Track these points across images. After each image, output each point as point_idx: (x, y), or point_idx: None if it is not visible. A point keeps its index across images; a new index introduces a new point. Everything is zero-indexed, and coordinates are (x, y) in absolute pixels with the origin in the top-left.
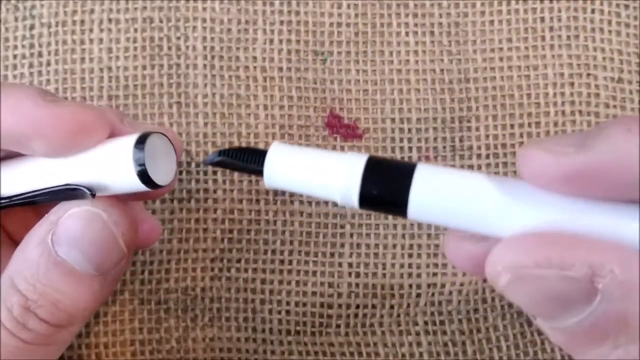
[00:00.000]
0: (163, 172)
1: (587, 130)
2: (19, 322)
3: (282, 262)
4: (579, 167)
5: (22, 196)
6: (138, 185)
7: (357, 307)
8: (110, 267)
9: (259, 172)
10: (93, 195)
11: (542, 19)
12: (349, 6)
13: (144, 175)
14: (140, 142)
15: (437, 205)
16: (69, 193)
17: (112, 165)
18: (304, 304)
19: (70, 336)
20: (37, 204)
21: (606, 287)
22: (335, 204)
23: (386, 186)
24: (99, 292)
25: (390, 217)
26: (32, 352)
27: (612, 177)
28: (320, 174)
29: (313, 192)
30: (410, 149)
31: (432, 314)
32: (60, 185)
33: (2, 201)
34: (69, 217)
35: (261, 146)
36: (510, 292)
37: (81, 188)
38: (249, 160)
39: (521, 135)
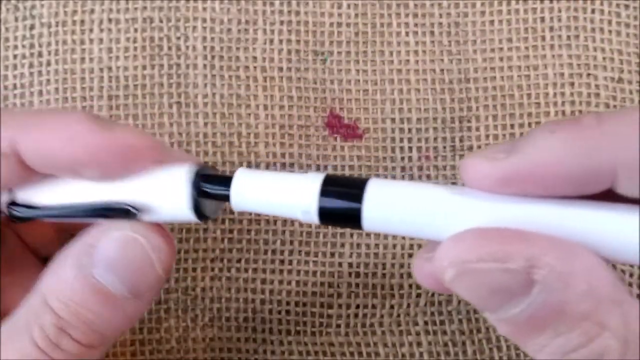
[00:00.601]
0: (209, 203)
1: (519, 137)
2: (52, 342)
3: (282, 262)
4: (510, 169)
5: (61, 208)
6: (188, 217)
7: (357, 307)
8: (146, 291)
9: (226, 197)
10: (135, 215)
11: (542, 19)
12: (349, 6)
13: (197, 209)
14: (196, 173)
15: (389, 216)
16: (113, 211)
17: (162, 193)
18: (304, 304)
19: (100, 355)
20: (75, 218)
21: (543, 279)
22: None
23: (341, 202)
24: (133, 314)
25: None
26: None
27: (540, 177)
28: (282, 194)
29: (277, 212)
30: (410, 149)
31: (432, 314)
32: (106, 203)
33: (39, 211)
34: (107, 241)
35: (261, 147)
36: (456, 286)
37: (128, 207)
38: (215, 186)
39: (521, 135)
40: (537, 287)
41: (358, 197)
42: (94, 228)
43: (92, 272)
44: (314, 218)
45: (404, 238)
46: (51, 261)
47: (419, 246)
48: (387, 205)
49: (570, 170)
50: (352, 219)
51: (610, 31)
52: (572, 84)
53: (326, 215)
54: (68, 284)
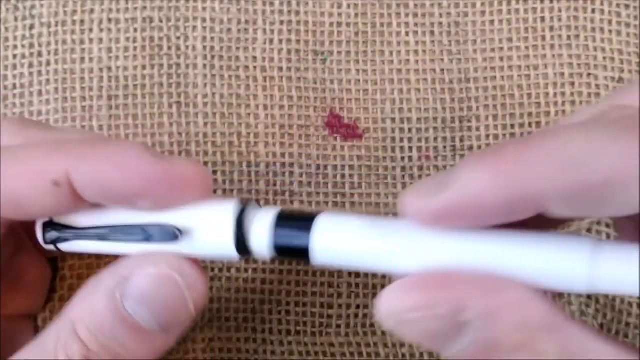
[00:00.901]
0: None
1: (450, 169)
2: None
3: (281, 262)
4: (439, 206)
5: (103, 228)
6: (230, 254)
7: (357, 307)
8: (176, 327)
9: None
10: (177, 239)
11: (543, 19)
12: (349, 6)
13: (244, 250)
14: (242, 209)
15: (336, 254)
16: (157, 233)
17: (207, 228)
18: (304, 304)
19: None
20: (114, 240)
21: (472, 320)
22: None
23: (291, 240)
24: (159, 348)
25: (390, 217)
26: None
27: (467, 210)
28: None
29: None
30: (410, 149)
31: None
32: (151, 223)
33: (78, 232)
34: (142, 275)
35: (261, 147)
36: (398, 333)
37: (174, 229)
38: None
39: (522, 135)
40: (467, 327)
41: (306, 237)
42: (128, 260)
43: (124, 305)
44: (266, 256)
45: None
46: (82, 287)
47: None
48: (333, 245)
49: (493, 202)
50: (303, 257)
51: (610, 31)
52: (573, 84)
53: (281, 253)
54: (99, 314)
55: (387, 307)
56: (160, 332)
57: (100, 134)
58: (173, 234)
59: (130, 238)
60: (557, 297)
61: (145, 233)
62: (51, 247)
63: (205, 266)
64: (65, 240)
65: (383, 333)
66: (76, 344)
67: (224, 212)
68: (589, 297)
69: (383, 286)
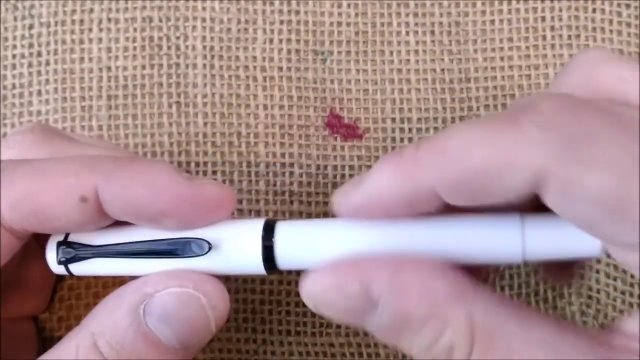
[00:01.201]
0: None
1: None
2: None
3: None
4: (355, 201)
5: (125, 244)
6: (258, 271)
7: None
8: (196, 345)
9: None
10: (209, 249)
11: (543, 19)
12: (349, 5)
13: (272, 268)
14: (270, 231)
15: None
16: (183, 247)
17: (236, 242)
18: (304, 304)
19: None
20: (135, 256)
21: (380, 296)
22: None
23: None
24: None
25: None
26: None
27: (376, 204)
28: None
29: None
30: None
31: None
32: (178, 238)
33: (99, 249)
34: (166, 294)
35: (261, 147)
36: (319, 312)
37: (205, 241)
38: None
39: None
40: (379, 303)
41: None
42: (152, 277)
43: (146, 321)
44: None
45: None
46: (103, 301)
47: None
48: (294, 249)
49: (395, 197)
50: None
51: (611, 30)
52: None
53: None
54: (121, 329)
55: (306, 290)
56: (181, 350)
57: (126, 150)
58: (203, 247)
59: (157, 251)
60: (558, 298)
61: (173, 247)
62: (61, 268)
63: None
64: (83, 258)
65: None
66: (96, 357)
67: (253, 227)
68: (589, 297)
69: None
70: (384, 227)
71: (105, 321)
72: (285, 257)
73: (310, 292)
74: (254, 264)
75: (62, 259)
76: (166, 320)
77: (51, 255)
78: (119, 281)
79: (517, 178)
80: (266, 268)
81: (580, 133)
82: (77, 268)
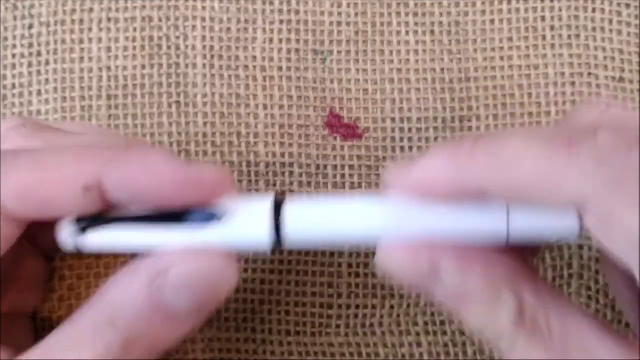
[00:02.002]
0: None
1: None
2: (123, 353)
3: (281, 262)
4: (411, 178)
5: (142, 212)
6: (265, 248)
7: (357, 307)
8: (205, 315)
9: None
10: (219, 218)
11: (543, 18)
12: (349, 5)
13: (278, 242)
14: (279, 212)
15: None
16: (193, 216)
17: (245, 226)
18: (304, 304)
19: None
20: (153, 223)
21: (444, 270)
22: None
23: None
24: (186, 332)
25: None
26: None
27: (426, 187)
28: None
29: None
30: (410, 148)
31: (432, 314)
32: (194, 209)
33: (115, 222)
34: (185, 267)
35: (260, 146)
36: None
37: (214, 212)
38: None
39: None
40: (441, 279)
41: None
42: (166, 253)
43: (162, 295)
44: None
45: None
46: (115, 277)
47: None
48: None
49: (447, 183)
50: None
51: (611, 30)
52: (573, 84)
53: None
54: (138, 303)
55: (381, 260)
56: (191, 320)
57: (115, 133)
58: (214, 217)
59: (171, 221)
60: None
61: (185, 216)
62: (74, 245)
63: None
64: (98, 226)
65: (383, 333)
66: (114, 333)
67: (262, 201)
68: (589, 297)
69: (383, 287)
70: (383, 206)
71: (121, 297)
72: (291, 237)
73: (385, 262)
74: (260, 240)
75: (78, 230)
76: (180, 293)
77: (65, 233)
78: None
79: (560, 199)
80: (272, 245)
81: (629, 172)
82: (91, 242)
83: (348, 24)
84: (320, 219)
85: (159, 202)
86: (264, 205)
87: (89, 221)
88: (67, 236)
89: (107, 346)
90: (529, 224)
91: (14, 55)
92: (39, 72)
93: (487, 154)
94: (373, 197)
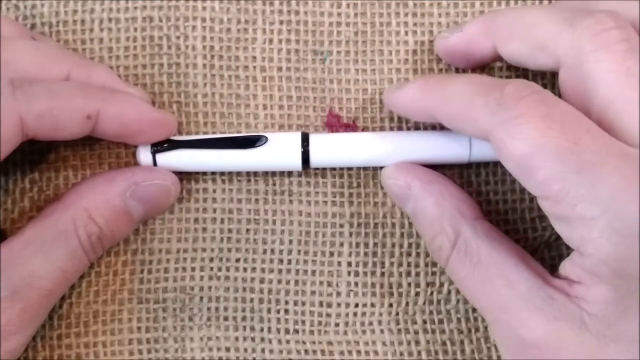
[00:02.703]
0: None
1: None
2: (92, 246)
3: (280, 261)
4: (392, 101)
5: (204, 139)
6: (296, 166)
7: (356, 305)
8: (144, 221)
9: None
10: (265, 141)
11: None
12: (348, 6)
13: (306, 161)
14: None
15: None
16: (249, 140)
17: (283, 151)
18: (303, 303)
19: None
20: (210, 147)
21: (414, 191)
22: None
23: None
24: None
25: (389, 217)
26: (88, 265)
27: (406, 107)
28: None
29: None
30: None
31: (431, 312)
32: (248, 135)
33: (182, 144)
34: (150, 184)
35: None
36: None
37: (263, 135)
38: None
39: None
40: (412, 196)
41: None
42: (139, 169)
43: (129, 202)
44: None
45: (402, 237)
46: (90, 180)
47: (418, 245)
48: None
49: (415, 108)
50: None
51: None
52: None
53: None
54: (113, 207)
55: (381, 178)
56: (137, 225)
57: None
58: (260, 140)
59: (225, 145)
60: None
61: (237, 140)
62: (150, 158)
63: (204, 265)
64: (171, 148)
65: (382, 331)
66: (94, 227)
67: (293, 135)
68: None
69: (382, 285)
70: (382, 137)
71: (99, 200)
72: (316, 156)
73: (383, 177)
74: (294, 160)
75: (154, 149)
76: (144, 203)
77: (144, 150)
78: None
79: (475, 130)
80: (302, 164)
81: (518, 114)
82: (162, 159)
83: (347, 24)
84: (336, 146)
85: (135, 135)
86: (295, 136)
87: (161, 146)
88: (145, 154)
89: (89, 235)
90: (480, 148)
91: None
92: None
93: (439, 88)
94: (376, 133)
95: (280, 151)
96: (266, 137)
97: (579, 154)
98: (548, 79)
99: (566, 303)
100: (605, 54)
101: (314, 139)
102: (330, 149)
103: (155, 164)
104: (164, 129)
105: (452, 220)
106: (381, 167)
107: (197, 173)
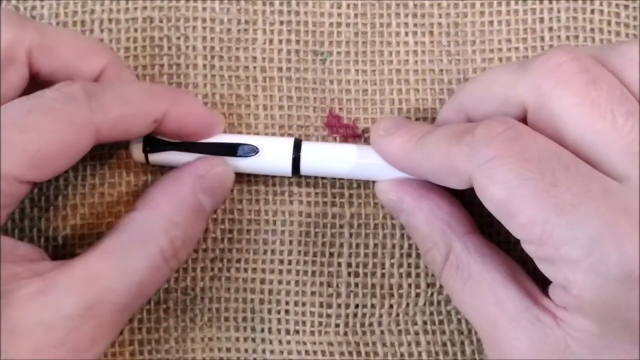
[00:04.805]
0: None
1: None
2: (175, 253)
3: (281, 262)
4: (377, 148)
5: (199, 145)
6: (287, 173)
7: (356, 306)
8: (213, 213)
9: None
10: (256, 153)
11: (542, 20)
12: (348, 6)
13: (296, 168)
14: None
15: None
16: (241, 150)
17: (274, 158)
18: (303, 304)
19: None
20: (205, 152)
21: (405, 207)
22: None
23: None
24: (204, 229)
25: (389, 218)
26: (168, 276)
27: (391, 158)
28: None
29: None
30: None
31: (431, 313)
32: (241, 143)
33: (177, 147)
34: (215, 174)
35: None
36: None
37: (254, 146)
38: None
39: None
40: (404, 210)
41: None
42: (200, 162)
43: (200, 197)
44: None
45: (402, 238)
46: (158, 185)
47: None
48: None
49: (399, 160)
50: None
51: (609, 31)
52: None
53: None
54: (190, 206)
55: (376, 190)
56: (209, 218)
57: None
58: (253, 150)
59: (221, 150)
60: None
61: (232, 148)
62: (142, 157)
63: (205, 266)
64: (163, 149)
65: (382, 332)
66: (176, 229)
67: (285, 142)
68: None
69: (382, 286)
70: (368, 152)
71: (174, 201)
72: (305, 165)
73: (377, 191)
74: (284, 167)
75: (147, 149)
76: (211, 193)
77: (137, 146)
78: None
79: (458, 179)
80: (292, 171)
81: (493, 156)
82: (155, 158)
83: (347, 25)
84: (325, 155)
85: (191, 135)
86: (288, 142)
87: (155, 144)
88: (137, 150)
89: (172, 242)
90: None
91: None
92: None
93: (419, 147)
94: (363, 147)
95: (270, 159)
96: (257, 149)
97: (557, 196)
98: None
99: (552, 326)
100: (565, 88)
101: (305, 147)
102: (321, 159)
103: (147, 162)
104: (216, 130)
105: (443, 236)
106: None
107: None
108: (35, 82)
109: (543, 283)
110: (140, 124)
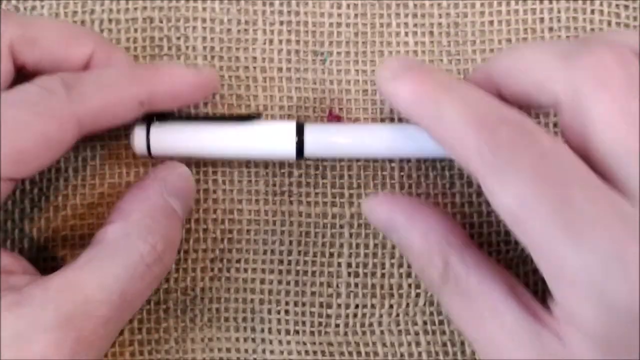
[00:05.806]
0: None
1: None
2: (158, 257)
3: (281, 262)
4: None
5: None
6: (291, 156)
7: (356, 306)
8: (186, 216)
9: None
10: (258, 119)
11: (542, 20)
12: (348, 6)
13: (300, 152)
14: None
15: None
16: (246, 119)
17: (275, 140)
18: (303, 304)
19: None
20: (209, 121)
21: (397, 226)
22: (333, 205)
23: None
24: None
25: None
26: (155, 283)
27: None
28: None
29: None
30: None
31: (432, 313)
32: (244, 114)
33: (185, 120)
34: (177, 175)
35: None
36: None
37: (256, 114)
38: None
39: None
40: (396, 230)
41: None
42: (161, 166)
43: (169, 200)
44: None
45: None
46: (126, 196)
47: None
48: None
49: (405, 105)
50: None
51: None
52: None
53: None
54: (162, 210)
55: (363, 209)
56: (184, 217)
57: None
58: (252, 117)
59: (221, 119)
60: None
61: (233, 117)
62: (143, 141)
63: (205, 266)
64: (164, 121)
65: (382, 332)
66: (155, 234)
67: (288, 125)
68: None
69: (382, 286)
70: (372, 132)
71: (146, 207)
72: (310, 147)
73: (365, 211)
74: (288, 150)
75: (152, 123)
76: (178, 195)
77: (139, 131)
78: None
79: (468, 168)
80: (296, 154)
81: (506, 164)
82: (156, 144)
83: (347, 25)
84: (330, 137)
85: (183, 103)
86: (290, 124)
87: (155, 118)
88: (139, 139)
89: (153, 247)
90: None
91: None
92: None
93: (432, 103)
94: (366, 125)
95: (274, 136)
96: (260, 115)
97: (568, 215)
98: (551, 118)
99: (551, 342)
100: (605, 94)
101: (309, 128)
102: (326, 138)
103: (149, 150)
104: (211, 86)
105: (439, 251)
106: (382, 160)
107: (198, 174)
108: (23, 75)
109: (542, 283)
110: (126, 108)
